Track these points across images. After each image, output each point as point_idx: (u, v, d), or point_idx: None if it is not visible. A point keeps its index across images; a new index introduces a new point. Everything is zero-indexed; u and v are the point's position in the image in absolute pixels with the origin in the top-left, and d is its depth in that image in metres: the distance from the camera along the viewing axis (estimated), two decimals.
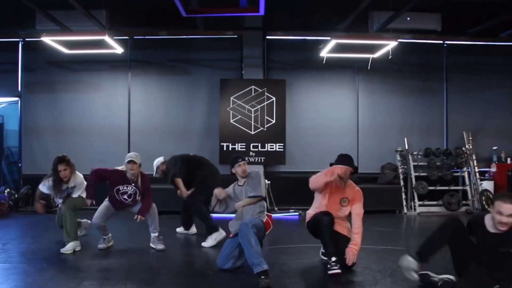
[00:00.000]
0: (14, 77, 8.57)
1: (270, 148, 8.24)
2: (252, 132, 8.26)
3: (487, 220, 3.35)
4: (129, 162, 4.88)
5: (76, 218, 5.01)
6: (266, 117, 8.28)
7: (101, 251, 4.85)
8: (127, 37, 8.46)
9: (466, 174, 8.39)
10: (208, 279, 3.93)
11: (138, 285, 3.68)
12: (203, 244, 5.22)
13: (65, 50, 7.38)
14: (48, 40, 6.66)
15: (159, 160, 5.98)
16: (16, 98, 8.66)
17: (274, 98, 8.29)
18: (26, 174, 8.49)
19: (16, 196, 8.04)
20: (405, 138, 8.48)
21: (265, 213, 4.31)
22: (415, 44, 8.67)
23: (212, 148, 8.23)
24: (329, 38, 6.92)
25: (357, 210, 4.21)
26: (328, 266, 3.96)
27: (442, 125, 8.84)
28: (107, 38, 6.68)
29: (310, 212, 4.38)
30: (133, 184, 4.96)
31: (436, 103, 8.84)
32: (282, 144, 8.25)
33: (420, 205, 8.06)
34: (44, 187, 5.18)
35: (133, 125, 8.60)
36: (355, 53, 7.78)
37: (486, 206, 7.87)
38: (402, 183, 8.23)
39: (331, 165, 4.19)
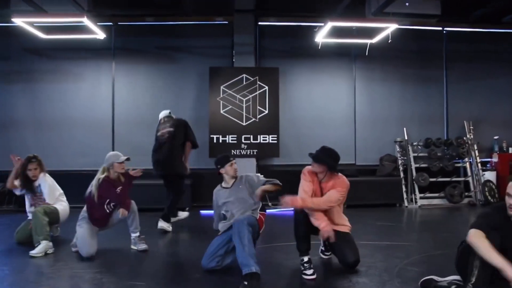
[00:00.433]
0: None
1: (263, 140, 7.82)
2: (244, 124, 7.83)
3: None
4: (122, 162, 4.52)
5: (47, 219, 4.53)
6: (258, 107, 7.86)
7: (76, 253, 4.33)
8: (111, 23, 8.00)
9: (467, 165, 8.05)
10: (195, 283, 3.51)
11: None
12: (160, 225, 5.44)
13: (42, 35, 6.90)
14: (20, 22, 6.15)
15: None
16: None
17: (266, 88, 7.87)
18: (2, 171, 7.95)
19: None
20: (404, 129, 8.12)
21: (258, 211, 3.92)
22: (414, 31, 8.31)
23: (201, 140, 7.61)
24: (324, 23, 6.49)
25: (329, 193, 3.72)
26: (301, 268, 3.62)
27: (443, 114, 8.49)
28: (86, 21, 6.19)
29: None
30: (120, 187, 4.53)
31: (436, 92, 8.48)
32: (276, 136, 7.83)
33: (421, 198, 7.69)
34: (17, 190, 4.92)
35: (118, 117, 8.13)
36: (353, 38, 7.36)
37: (489, 198, 7.53)
38: (402, 175, 7.86)
39: (310, 154, 3.80)
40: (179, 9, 7.56)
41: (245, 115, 7.84)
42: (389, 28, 6.46)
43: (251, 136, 7.80)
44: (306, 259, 3.61)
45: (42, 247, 4.27)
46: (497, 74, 8.55)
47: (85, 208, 4.47)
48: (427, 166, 7.92)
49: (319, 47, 7.09)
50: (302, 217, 3.66)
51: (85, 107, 8.07)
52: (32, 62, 8.03)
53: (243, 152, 7.74)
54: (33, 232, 4.39)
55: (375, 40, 7.08)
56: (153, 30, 8.26)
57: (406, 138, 8.05)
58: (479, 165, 7.93)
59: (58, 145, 7.91)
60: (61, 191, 5.09)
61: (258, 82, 7.85)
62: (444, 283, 3.09)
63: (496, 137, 8.21)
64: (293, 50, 8.32)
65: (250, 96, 7.84)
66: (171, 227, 5.54)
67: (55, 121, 8.01)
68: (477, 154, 8.00)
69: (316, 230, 3.68)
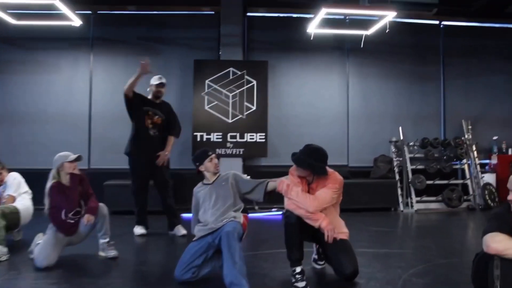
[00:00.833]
0: None
1: (250, 138, 7.33)
2: (230, 121, 7.33)
3: None
4: (72, 161, 3.95)
5: (4, 222, 4.05)
6: (245, 103, 7.36)
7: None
8: (89, 12, 7.49)
9: (466, 166, 7.63)
10: None
11: None
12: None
13: (12, 21, 6.32)
14: None
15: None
16: None
17: (254, 82, 7.38)
18: None
19: None
20: (400, 128, 7.66)
21: (241, 213, 3.43)
22: (410, 26, 7.92)
23: (184, 138, 7.14)
24: (316, 14, 6.03)
25: (319, 192, 3.20)
26: (292, 279, 3.12)
27: (439, 113, 8.08)
28: (59, 4, 5.63)
29: None
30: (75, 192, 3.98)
31: (433, 89, 8.06)
32: (264, 134, 7.34)
33: (417, 201, 7.22)
34: None
35: (95, 112, 7.57)
36: (346, 29, 6.92)
37: (489, 202, 7.12)
38: (397, 177, 7.40)
39: (293, 155, 3.28)
40: None
41: (232, 112, 7.35)
42: (386, 17, 6.00)
43: (238, 134, 7.30)
44: (298, 269, 3.11)
45: None
46: (497, 71, 8.16)
47: None
48: (423, 168, 7.47)
49: (312, 38, 6.61)
50: (294, 220, 3.15)
51: (60, 101, 7.51)
52: (2, 51, 7.45)
53: (229, 151, 7.24)
54: None
55: (371, 31, 6.62)
56: (134, 19, 7.73)
57: (401, 138, 7.60)
58: (478, 166, 7.52)
59: (29, 141, 7.34)
60: (29, 190, 4.65)
61: (245, 76, 7.37)
62: None
63: (495, 137, 7.81)
64: (284, 43, 7.85)
65: (237, 91, 7.36)
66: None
67: (27, 115, 7.44)
68: (476, 155, 7.58)
69: (311, 236, 3.20)
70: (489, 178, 7.48)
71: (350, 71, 7.90)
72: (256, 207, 6.94)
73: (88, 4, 7.40)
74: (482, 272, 2.42)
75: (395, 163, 7.50)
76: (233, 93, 7.37)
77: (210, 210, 3.43)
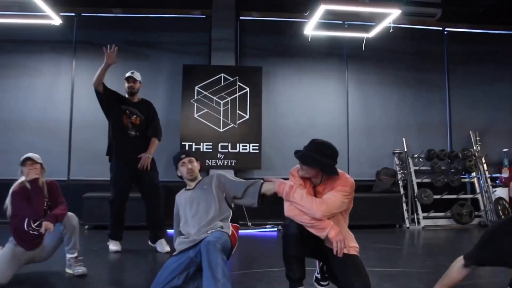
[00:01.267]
0: None
1: (243, 149, 6.81)
2: (221, 130, 6.82)
3: None
4: (26, 164, 3.47)
5: None
6: (238, 111, 6.87)
7: None
8: (73, 14, 7.06)
9: (475, 180, 7.11)
10: None
11: None
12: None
13: None
14: None
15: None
16: None
17: (247, 89, 6.91)
18: None
19: None
20: (404, 139, 7.19)
21: (229, 222, 2.88)
22: (413, 32, 7.51)
23: (172, 148, 6.62)
24: (314, 13, 5.59)
25: (326, 195, 2.64)
26: None
27: (445, 123, 7.59)
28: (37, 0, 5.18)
29: None
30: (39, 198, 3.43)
31: (438, 97, 7.60)
32: (257, 144, 6.83)
33: (424, 217, 6.66)
34: None
35: (76, 120, 7.02)
36: (346, 31, 6.49)
37: (503, 217, 6.57)
38: (402, 191, 6.86)
39: (296, 152, 2.75)
40: (150, 0, 6.68)
41: (223, 120, 6.84)
42: (389, 17, 5.58)
43: (229, 144, 6.78)
44: None
45: None
46: (504, 79, 7.73)
47: None
48: (430, 181, 6.95)
49: (309, 40, 6.16)
50: (294, 230, 2.58)
51: (39, 107, 6.97)
52: None
53: (220, 162, 6.71)
54: None
55: (372, 34, 6.19)
56: (120, 23, 7.27)
57: (405, 149, 7.10)
58: (488, 180, 7.00)
59: (4, 149, 6.76)
60: None
61: (238, 83, 6.90)
62: None
63: (505, 149, 7.32)
64: (279, 48, 7.40)
65: (229, 98, 6.87)
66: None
67: (2, 121, 6.91)
68: (485, 168, 7.07)
69: (314, 250, 2.64)
70: (501, 192, 6.95)
71: (349, 79, 7.43)
72: (249, 223, 6.36)
73: (71, 6, 6.99)
74: None
75: (399, 176, 6.96)
76: (224, 101, 6.88)
77: (191, 219, 2.87)
